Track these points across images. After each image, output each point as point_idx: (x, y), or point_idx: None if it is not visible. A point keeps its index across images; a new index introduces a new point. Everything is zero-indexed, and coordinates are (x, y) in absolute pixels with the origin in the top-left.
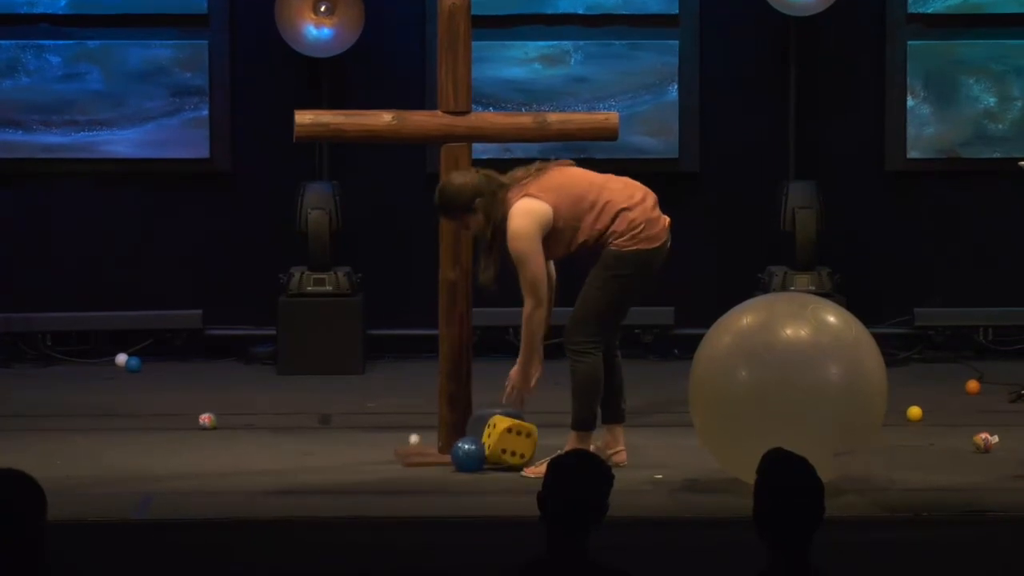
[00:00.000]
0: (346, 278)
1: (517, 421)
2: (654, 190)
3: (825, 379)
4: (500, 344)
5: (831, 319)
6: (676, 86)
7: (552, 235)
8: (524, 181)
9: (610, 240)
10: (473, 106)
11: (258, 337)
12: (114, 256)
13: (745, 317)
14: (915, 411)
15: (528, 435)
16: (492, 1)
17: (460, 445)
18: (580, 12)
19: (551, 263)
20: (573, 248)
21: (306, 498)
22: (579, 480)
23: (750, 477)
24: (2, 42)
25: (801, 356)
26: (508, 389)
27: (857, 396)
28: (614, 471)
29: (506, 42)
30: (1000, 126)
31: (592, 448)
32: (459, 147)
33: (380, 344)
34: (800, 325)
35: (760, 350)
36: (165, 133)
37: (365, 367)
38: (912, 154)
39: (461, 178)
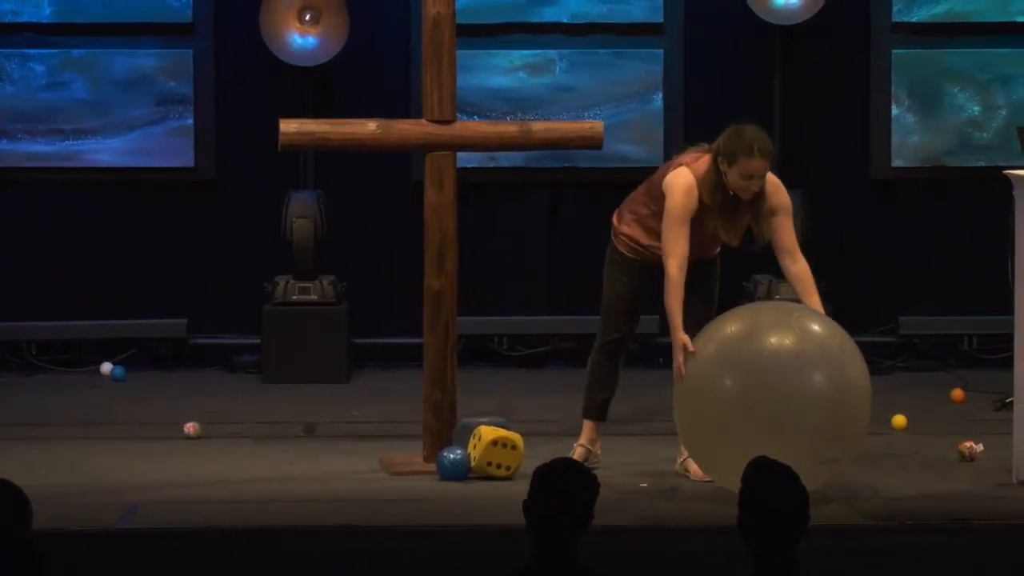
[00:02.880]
0: (331, 286)
1: (503, 432)
2: None
3: (810, 387)
4: (485, 352)
5: (816, 327)
6: (661, 95)
7: None
8: None
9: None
10: (458, 115)
11: (243, 346)
12: (99, 265)
13: (730, 326)
14: (900, 420)
15: (514, 447)
16: (477, 10)
17: (445, 454)
18: (565, 21)
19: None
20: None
21: (291, 507)
22: (565, 488)
23: (735, 485)
24: None
25: (786, 364)
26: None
27: (842, 404)
28: (599, 478)
29: (491, 51)
30: (985, 135)
31: (582, 446)
32: (444, 156)
33: (365, 352)
34: (785, 333)
35: (745, 358)
36: (150, 142)
37: (350, 375)
38: (897, 162)
39: None
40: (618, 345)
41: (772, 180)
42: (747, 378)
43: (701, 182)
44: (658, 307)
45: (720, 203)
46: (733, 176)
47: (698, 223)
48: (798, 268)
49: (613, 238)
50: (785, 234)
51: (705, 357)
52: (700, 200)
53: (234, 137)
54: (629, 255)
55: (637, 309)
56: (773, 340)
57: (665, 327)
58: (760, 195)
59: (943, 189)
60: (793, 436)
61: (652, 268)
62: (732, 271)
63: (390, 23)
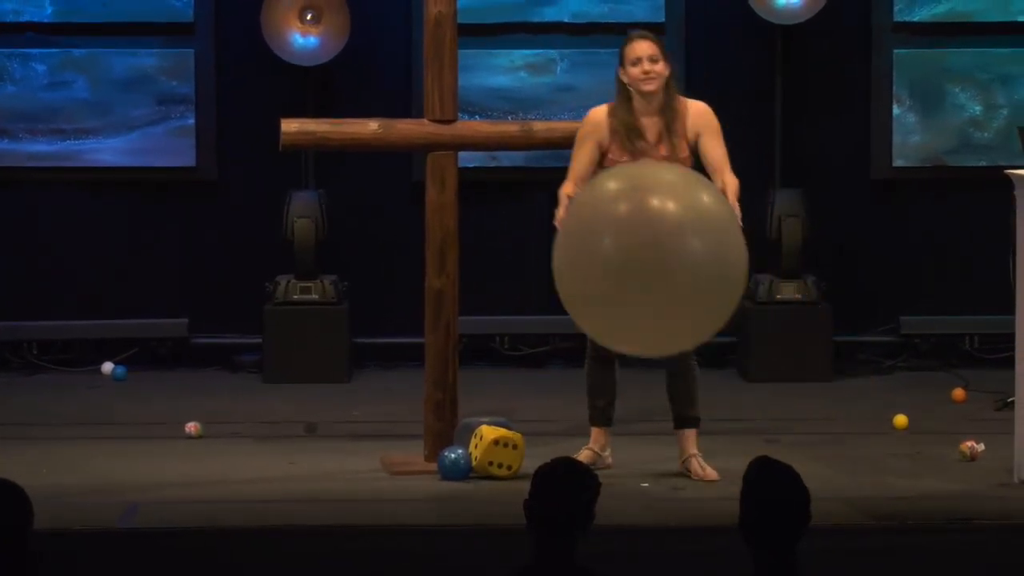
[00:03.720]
0: (332, 286)
1: (504, 432)
2: None
3: (688, 250)
4: (486, 352)
5: (702, 195)
6: None
7: None
8: None
9: None
10: (459, 114)
11: (244, 345)
12: (100, 265)
13: (611, 182)
14: (901, 419)
15: (515, 447)
16: (478, 10)
17: (446, 454)
18: (566, 20)
19: None
20: None
21: (291, 507)
22: (565, 488)
23: (616, 344)
24: None
25: (665, 225)
26: None
27: (718, 270)
28: (600, 478)
29: (492, 50)
30: (986, 134)
31: (591, 450)
32: (445, 155)
33: (366, 352)
34: (667, 196)
35: (625, 218)
36: (151, 141)
37: (351, 375)
38: (898, 162)
39: None
40: (606, 350)
41: (696, 106)
42: (626, 237)
43: (611, 111)
44: None
45: (623, 119)
46: (628, 73)
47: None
48: (723, 180)
49: None
50: (712, 153)
51: (586, 213)
52: (612, 129)
53: (235, 137)
54: None
55: None
56: (655, 201)
57: None
58: (670, 111)
59: (944, 189)
60: (668, 297)
61: None
62: None
63: (391, 23)
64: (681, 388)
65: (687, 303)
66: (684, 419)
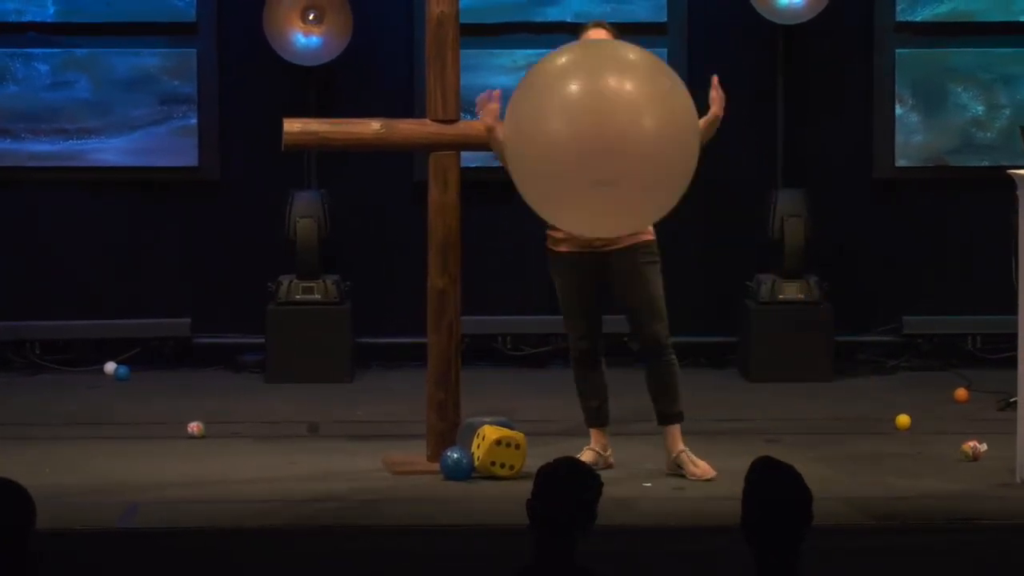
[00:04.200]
0: (335, 286)
1: (506, 431)
2: None
3: (640, 129)
4: (489, 352)
5: (654, 73)
6: None
7: None
8: None
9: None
10: (461, 114)
11: (246, 345)
12: (102, 264)
13: (562, 57)
14: (903, 419)
15: (517, 447)
16: (480, 10)
17: (449, 454)
18: (568, 20)
19: None
20: None
21: (292, 507)
22: (567, 488)
23: (567, 224)
24: None
25: (616, 105)
26: None
27: (669, 150)
28: (601, 478)
29: (494, 50)
30: (988, 134)
31: (592, 450)
32: (447, 155)
33: (368, 352)
34: (622, 76)
35: (575, 97)
36: (153, 141)
37: (354, 375)
38: (900, 162)
39: None
40: (589, 352)
41: None
42: (576, 115)
43: None
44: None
45: None
46: None
47: None
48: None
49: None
50: None
51: (536, 97)
52: None
53: (237, 137)
54: (555, 249)
55: (590, 308)
56: (612, 82)
57: None
58: None
59: (946, 189)
60: (620, 177)
61: (586, 263)
62: (734, 270)
63: (393, 22)
64: (661, 385)
65: (638, 186)
66: (667, 415)
